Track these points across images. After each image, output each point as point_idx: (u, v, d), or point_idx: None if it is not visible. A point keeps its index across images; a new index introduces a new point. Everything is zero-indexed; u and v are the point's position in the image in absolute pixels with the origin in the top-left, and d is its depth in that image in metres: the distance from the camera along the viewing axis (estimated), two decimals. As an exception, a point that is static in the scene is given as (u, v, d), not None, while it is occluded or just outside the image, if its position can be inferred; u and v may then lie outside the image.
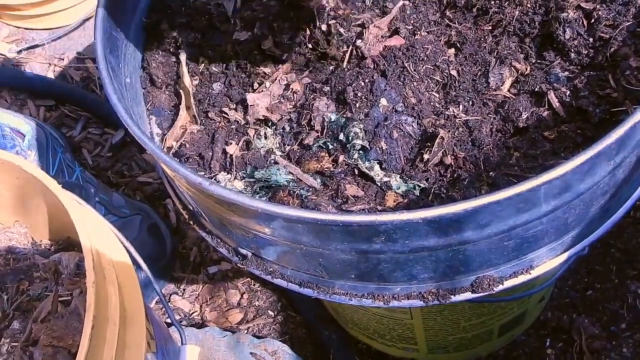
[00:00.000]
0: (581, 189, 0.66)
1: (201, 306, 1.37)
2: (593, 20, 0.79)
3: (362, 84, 0.80)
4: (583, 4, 0.80)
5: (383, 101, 0.78)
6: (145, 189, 1.46)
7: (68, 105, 1.59)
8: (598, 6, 0.79)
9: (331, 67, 0.84)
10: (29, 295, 0.84)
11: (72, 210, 0.80)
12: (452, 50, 0.83)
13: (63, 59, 1.70)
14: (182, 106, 0.86)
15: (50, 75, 1.68)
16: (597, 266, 1.34)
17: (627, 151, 0.67)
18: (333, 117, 0.78)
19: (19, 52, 1.74)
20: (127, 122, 0.73)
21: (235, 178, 0.77)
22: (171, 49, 0.91)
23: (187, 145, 0.83)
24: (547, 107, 0.77)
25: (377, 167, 0.75)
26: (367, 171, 0.74)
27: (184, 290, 1.40)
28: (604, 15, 0.78)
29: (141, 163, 1.49)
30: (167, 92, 0.90)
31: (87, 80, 1.64)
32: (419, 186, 0.72)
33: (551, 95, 0.77)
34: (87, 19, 1.75)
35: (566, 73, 0.79)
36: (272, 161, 0.78)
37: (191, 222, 0.84)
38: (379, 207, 0.70)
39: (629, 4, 0.78)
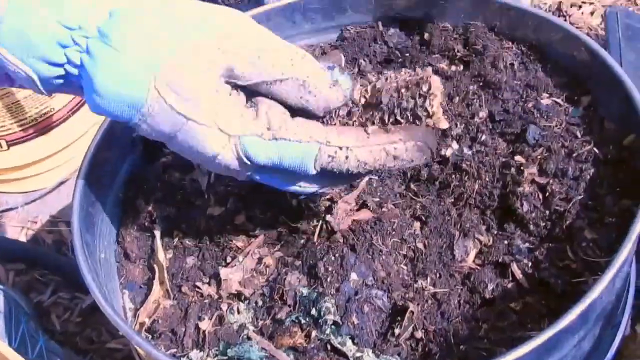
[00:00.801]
0: (549, 364, 0.67)
1: None
2: (548, 194, 0.84)
3: (333, 258, 0.82)
4: (537, 179, 0.85)
5: (353, 275, 0.80)
6: (115, 355, 1.43)
7: (39, 268, 1.59)
8: (551, 180, 0.84)
9: (302, 241, 0.87)
10: None
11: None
12: (418, 224, 0.87)
13: (36, 222, 1.71)
14: (156, 281, 0.88)
15: (23, 238, 1.68)
16: None
17: (590, 324, 0.70)
18: (305, 291, 0.80)
19: (-8, 215, 1.76)
20: (101, 302, 0.74)
21: (208, 356, 0.78)
22: (146, 224, 0.93)
23: (160, 321, 0.83)
24: (511, 278, 0.80)
25: (349, 342, 0.76)
26: (339, 347, 0.75)
27: None
28: (557, 190, 0.83)
29: (111, 328, 1.47)
30: (141, 266, 0.91)
31: (60, 243, 1.65)
32: (391, 362, 0.73)
33: (514, 267, 0.80)
34: (62, 182, 1.78)
35: (527, 244, 0.82)
36: (245, 336, 0.79)
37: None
38: (352, 387, 0.71)
39: (579, 179, 0.83)
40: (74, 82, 0.70)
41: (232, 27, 0.70)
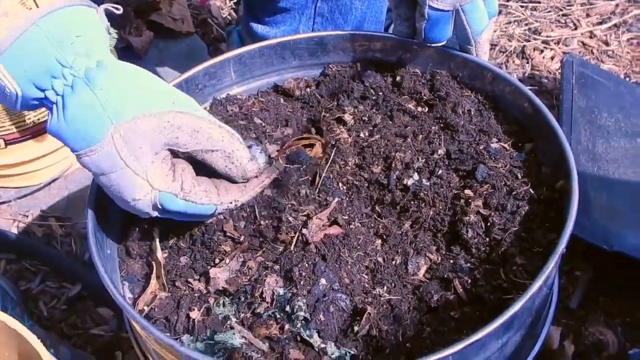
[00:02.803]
0: (476, 362, 0.83)
1: None
2: (489, 224, 1.00)
3: (306, 265, 0.97)
4: (481, 211, 1.01)
5: (323, 280, 0.96)
6: (97, 340, 1.56)
7: (29, 259, 1.71)
8: (493, 213, 1.01)
9: (281, 249, 1.02)
10: None
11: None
12: (379, 241, 1.03)
13: (27, 216, 1.84)
14: (153, 275, 1.02)
15: (14, 230, 1.80)
16: None
17: (512, 332, 0.86)
18: (281, 291, 0.95)
19: (-15, 208, 1.87)
20: (113, 291, 0.88)
21: (197, 340, 0.92)
22: (146, 227, 1.07)
23: (156, 309, 0.98)
24: (453, 291, 0.96)
25: (316, 335, 0.91)
26: (307, 338, 0.90)
27: None
28: (497, 221, 1.00)
29: (95, 316, 1.60)
30: (140, 263, 1.06)
31: (49, 237, 1.78)
32: (350, 353, 0.89)
33: (456, 283, 0.96)
34: (53, 180, 1.90)
35: (468, 265, 0.98)
36: (229, 326, 0.94)
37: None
38: (317, 370, 0.86)
39: (515, 214, 1.00)
40: (46, 105, 0.89)
41: (183, 107, 0.92)
